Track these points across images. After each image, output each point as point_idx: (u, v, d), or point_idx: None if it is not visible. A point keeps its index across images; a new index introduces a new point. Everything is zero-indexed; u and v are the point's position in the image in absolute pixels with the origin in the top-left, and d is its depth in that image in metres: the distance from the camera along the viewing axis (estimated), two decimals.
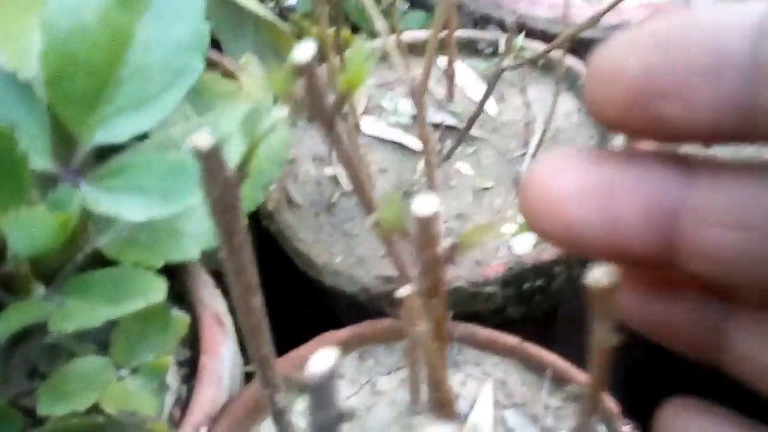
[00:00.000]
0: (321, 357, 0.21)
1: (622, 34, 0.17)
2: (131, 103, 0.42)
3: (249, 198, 0.53)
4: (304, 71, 0.24)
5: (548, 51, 0.58)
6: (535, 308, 0.62)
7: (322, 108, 0.26)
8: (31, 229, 0.36)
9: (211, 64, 0.68)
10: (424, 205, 0.26)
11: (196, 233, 0.52)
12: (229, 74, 0.67)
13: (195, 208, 0.52)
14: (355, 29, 0.94)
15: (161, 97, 0.42)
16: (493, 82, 0.59)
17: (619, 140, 0.65)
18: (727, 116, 0.16)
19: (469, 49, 0.79)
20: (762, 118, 0.16)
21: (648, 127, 0.17)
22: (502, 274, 0.56)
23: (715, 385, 0.62)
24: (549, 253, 0.57)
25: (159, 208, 0.40)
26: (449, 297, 0.57)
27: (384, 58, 0.79)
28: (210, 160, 0.25)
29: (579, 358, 0.89)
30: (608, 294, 0.24)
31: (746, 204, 0.17)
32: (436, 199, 0.25)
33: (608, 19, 0.77)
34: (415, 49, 0.77)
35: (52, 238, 0.37)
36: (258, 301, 0.33)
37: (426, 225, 0.26)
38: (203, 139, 0.25)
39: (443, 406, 0.32)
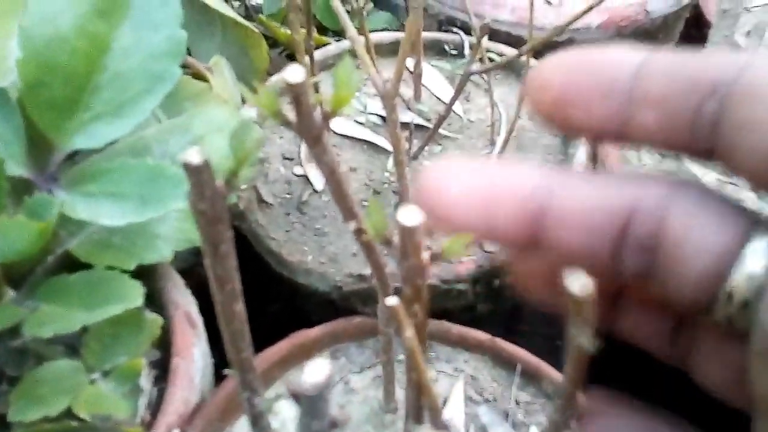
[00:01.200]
0: (315, 367, 0.22)
1: (553, 57, 0.23)
2: (109, 109, 0.42)
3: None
4: (295, 92, 0.24)
5: (518, 56, 0.59)
6: (504, 304, 0.64)
7: (311, 125, 0.26)
8: (10, 236, 0.36)
9: (180, 66, 0.68)
10: (409, 215, 0.26)
11: (169, 235, 0.52)
12: (198, 75, 0.67)
13: (168, 213, 0.52)
14: (321, 29, 0.94)
15: (138, 102, 0.42)
16: (460, 86, 0.60)
17: (581, 140, 0.67)
18: (612, 126, 0.22)
19: (435, 50, 0.79)
20: (633, 130, 0.22)
21: (564, 126, 0.23)
22: (473, 271, 0.57)
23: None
24: None
25: (138, 214, 0.41)
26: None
27: (351, 58, 0.79)
28: (200, 174, 0.26)
29: (543, 351, 0.91)
30: (587, 303, 0.25)
31: (591, 210, 0.22)
32: (420, 210, 0.26)
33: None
34: (380, 50, 0.78)
35: (30, 245, 0.37)
36: (240, 307, 0.33)
37: (410, 234, 0.27)
38: (193, 156, 0.25)
39: (431, 412, 0.33)
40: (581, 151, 0.66)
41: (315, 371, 0.21)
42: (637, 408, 0.28)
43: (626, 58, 0.22)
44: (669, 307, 0.24)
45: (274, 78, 0.72)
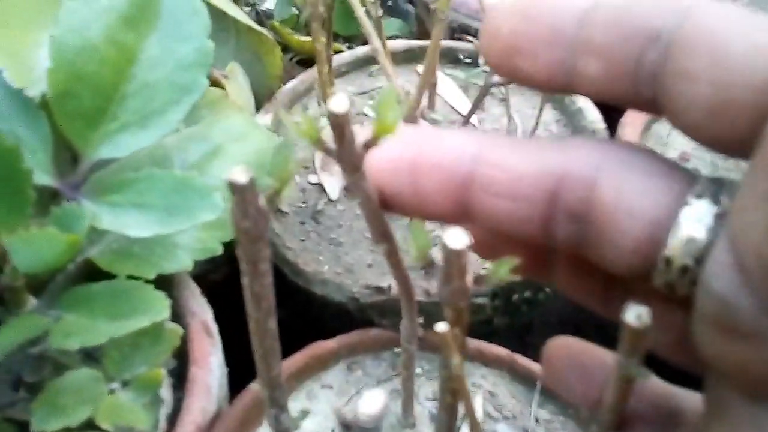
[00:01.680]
0: (370, 398, 0.21)
1: (506, 3, 0.22)
2: (136, 119, 0.41)
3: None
4: (339, 122, 0.24)
5: None
6: (521, 318, 0.63)
7: (352, 155, 0.26)
8: (39, 248, 0.35)
9: None
10: (455, 238, 0.26)
11: (189, 245, 0.52)
12: (214, 82, 0.66)
13: None
14: (336, 37, 0.94)
15: (165, 112, 0.42)
16: (482, 96, 0.60)
17: None
18: (558, 76, 0.21)
19: (449, 58, 0.79)
20: (578, 80, 0.21)
21: (513, 75, 0.23)
22: (493, 285, 0.57)
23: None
24: None
25: (164, 225, 0.40)
26: (439, 308, 0.57)
27: (363, 65, 0.79)
28: (245, 193, 0.26)
29: None
30: (642, 333, 0.25)
31: (518, 177, 0.22)
32: (467, 234, 0.26)
33: None
34: (393, 58, 0.78)
35: (59, 256, 0.37)
36: (274, 324, 0.33)
37: (457, 257, 0.27)
38: (240, 175, 0.25)
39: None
40: None
41: (370, 402, 0.21)
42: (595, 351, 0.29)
43: (574, 3, 0.21)
44: (605, 271, 0.23)
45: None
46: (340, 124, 0.25)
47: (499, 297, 0.58)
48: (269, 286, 0.31)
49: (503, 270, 0.28)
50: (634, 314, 0.25)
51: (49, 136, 0.40)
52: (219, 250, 0.52)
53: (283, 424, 0.38)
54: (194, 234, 0.52)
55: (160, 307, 0.40)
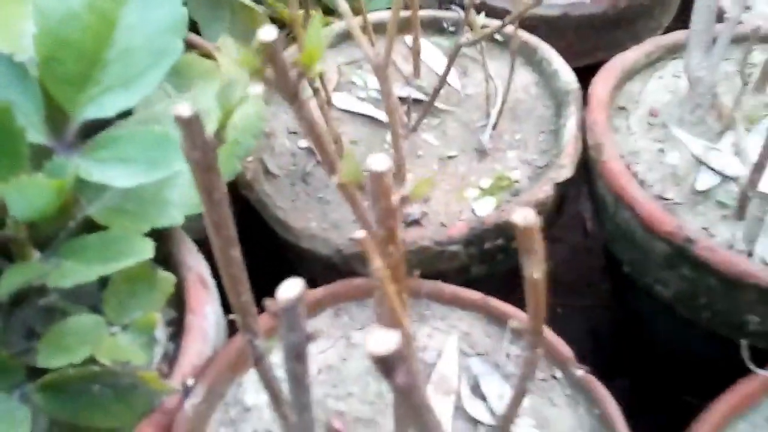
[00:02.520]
0: (288, 286, 0.25)
1: None
2: (118, 82, 0.46)
3: (227, 168, 0.58)
4: (269, 51, 0.28)
5: (501, 28, 0.62)
6: (498, 267, 0.67)
7: (287, 81, 0.30)
8: (30, 195, 0.40)
9: (190, 46, 0.72)
10: (377, 162, 0.30)
11: (179, 201, 0.56)
12: (206, 55, 0.71)
13: (179, 177, 0.56)
14: (328, 11, 0.98)
15: (145, 75, 0.46)
16: (452, 58, 0.64)
17: (573, 109, 0.70)
18: None
19: (434, 27, 0.83)
20: None
21: None
22: (465, 234, 0.61)
23: (681, 340, 0.67)
24: (509, 213, 0.62)
25: (145, 176, 0.45)
26: (416, 256, 0.62)
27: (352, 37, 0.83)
28: (190, 126, 0.30)
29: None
30: (531, 231, 0.29)
31: None
32: (387, 157, 0.30)
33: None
34: (382, 28, 0.82)
35: (49, 203, 0.41)
36: (237, 252, 0.37)
37: (379, 179, 0.31)
38: (184, 109, 0.29)
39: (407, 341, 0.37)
40: (572, 121, 0.69)
41: (288, 289, 0.25)
42: None
43: None
44: None
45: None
46: (271, 53, 0.29)
47: (473, 245, 0.62)
48: (227, 216, 0.35)
49: (422, 188, 0.31)
50: (521, 215, 0.29)
51: (40, 99, 0.45)
52: None
53: (257, 348, 0.42)
54: (184, 191, 0.56)
55: (144, 250, 0.45)
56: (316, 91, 0.65)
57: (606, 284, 0.95)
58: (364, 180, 0.33)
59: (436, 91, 0.68)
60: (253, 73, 0.29)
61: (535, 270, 0.31)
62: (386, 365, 0.21)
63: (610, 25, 0.86)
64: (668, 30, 0.93)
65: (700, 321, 0.61)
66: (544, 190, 0.63)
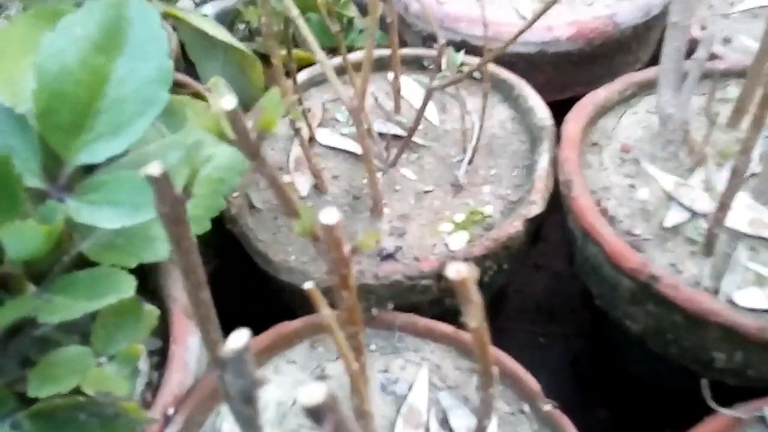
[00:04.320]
0: (236, 337, 0.28)
1: None
2: (108, 129, 0.50)
3: (212, 205, 0.61)
4: (230, 117, 0.31)
5: (473, 70, 0.66)
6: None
7: (248, 142, 0.33)
8: (23, 237, 0.43)
9: (182, 86, 0.76)
10: (328, 215, 0.33)
11: (165, 237, 0.59)
12: (198, 95, 0.74)
13: None
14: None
15: (134, 123, 0.50)
16: (426, 98, 0.67)
17: (546, 146, 0.73)
18: None
19: (416, 65, 0.86)
20: None
21: None
22: (436, 268, 0.64)
23: (655, 373, 0.70)
24: (479, 248, 0.65)
25: (130, 218, 0.48)
26: (390, 289, 0.65)
27: (339, 74, 0.86)
28: (160, 184, 0.33)
29: (527, 346, 0.96)
30: (466, 284, 0.32)
31: None
32: (337, 211, 0.33)
33: (541, 37, 0.85)
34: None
35: (40, 245, 0.45)
36: (206, 294, 0.40)
37: (330, 231, 0.34)
38: (154, 168, 0.32)
39: (356, 379, 0.40)
40: (544, 158, 0.72)
41: (236, 340, 0.28)
42: None
43: None
44: None
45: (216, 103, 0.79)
46: (232, 119, 0.33)
47: (444, 278, 0.65)
48: (196, 262, 0.38)
49: (369, 240, 0.35)
50: (454, 269, 0.32)
51: (37, 147, 0.48)
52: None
53: (225, 384, 0.45)
54: None
55: (127, 286, 0.48)
56: (298, 131, 0.68)
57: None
58: (317, 230, 0.36)
59: (413, 129, 0.71)
60: (217, 134, 0.32)
61: (472, 320, 0.33)
62: (315, 415, 0.24)
63: (587, 61, 0.90)
64: (649, 64, 0.96)
65: (670, 356, 0.63)
66: (515, 226, 0.66)
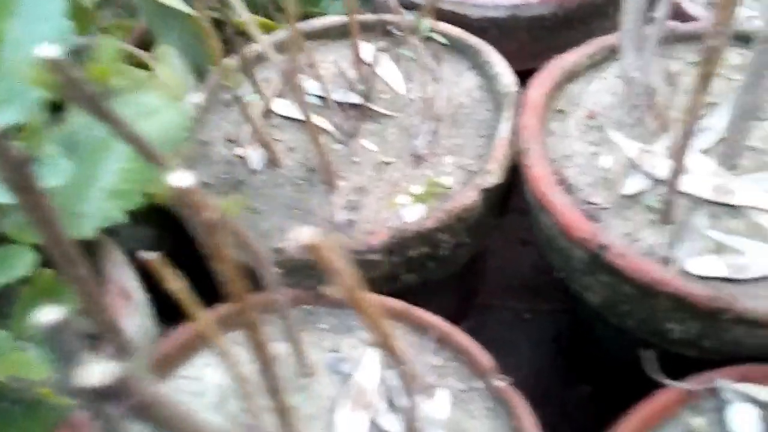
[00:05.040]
0: (47, 312, 0.25)
1: None
2: (4, 98, 0.46)
3: (142, 178, 0.58)
4: (57, 68, 0.28)
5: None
6: (431, 275, 0.66)
7: (83, 93, 0.30)
8: None
9: (125, 56, 0.72)
10: (180, 178, 0.30)
11: (93, 214, 0.56)
12: (142, 64, 0.71)
13: (94, 192, 0.57)
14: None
15: (30, 90, 0.46)
16: (374, 62, 0.63)
17: (508, 114, 0.69)
18: None
19: (380, 31, 0.82)
20: None
21: None
22: (385, 242, 0.60)
23: (623, 346, 0.66)
24: (432, 220, 0.61)
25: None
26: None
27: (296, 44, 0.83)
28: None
29: (512, 324, 0.92)
30: (319, 250, 0.28)
31: None
32: (190, 175, 0.30)
33: (513, 0, 0.81)
34: (329, 33, 0.82)
35: None
36: (83, 271, 0.37)
37: (185, 195, 0.30)
38: None
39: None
40: (505, 126, 0.68)
41: (48, 313, 0.25)
42: None
43: None
44: None
45: None
46: (59, 71, 0.29)
47: (396, 253, 0.61)
48: (58, 235, 0.35)
49: (232, 208, 0.31)
50: (305, 235, 0.28)
51: None
52: (122, 218, 0.57)
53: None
54: (98, 204, 0.57)
55: (24, 264, 0.45)
56: (237, 99, 0.65)
57: None
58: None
59: (366, 96, 0.68)
60: (47, 87, 0.29)
61: (335, 289, 0.30)
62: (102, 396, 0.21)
63: (562, 26, 0.85)
64: None
65: (628, 328, 0.60)
66: (469, 197, 0.62)
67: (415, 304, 0.61)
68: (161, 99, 0.63)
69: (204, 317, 0.40)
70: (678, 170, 0.55)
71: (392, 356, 0.38)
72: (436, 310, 0.61)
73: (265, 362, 0.39)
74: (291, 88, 0.56)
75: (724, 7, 0.44)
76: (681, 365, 0.54)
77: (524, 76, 0.74)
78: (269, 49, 0.54)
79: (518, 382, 0.89)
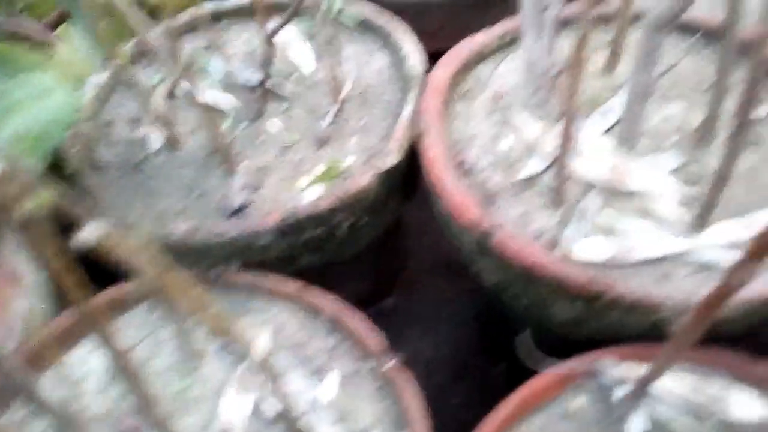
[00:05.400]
0: None
1: None
2: None
3: (31, 161, 0.57)
4: None
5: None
6: (334, 256, 0.66)
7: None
8: None
9: (23, 38, 0.71)
10: None
11: None
12: (39, 45, 0.69)
13: None
14: None
15: None
16: (267, 42, 0.62)
17: (413, 95, 0.69)
18: None
19: (294, 10, 0.81)
20: None
21: None
22: (278, 224, 0.60)
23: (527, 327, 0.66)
24: (327, 201, 0.60)
25: None
26: (229, 248, 0.60)
27: (214, 21, 0.82)
28: None
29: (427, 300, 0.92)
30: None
31: None
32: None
33: None
34: (237, 13, 0.81)
35: None
36: None
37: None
38: None
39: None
40: (409, 107, 0.68)
41: None
42: None
43: None
44: None
45: None
46: None
47: (290, 235, 0.61)
48: None
49: (36, 203, 0.30)
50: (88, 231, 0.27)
51: None
52: None
53: None
54: None
55: None
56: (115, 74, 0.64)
57: None
58: None
59: (266, 76, 0.67)
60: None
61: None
62: None
63: (483, 4, 0.84)
64: None
65: (521, 311, 0.60)
66: (365, 178, 0.62)
67: (323, 284, 0.61)
68: (55, 80, 0.62)
69: (89, 301, 0.39)
70: (565, 151, 0.55)
71: (232, 342, 0.37)
72: (350, 290, 0.60)
73: (119, 359, 0.38)
74: (188, 70, 0.55)
75: None
76: (572, 347, 0.54)
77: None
78: (178, 28, 0.53)
79: (439, 359, 0.90)
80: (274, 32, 0.62)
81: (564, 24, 0.75)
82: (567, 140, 0.54)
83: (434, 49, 0.74)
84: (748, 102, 0.46)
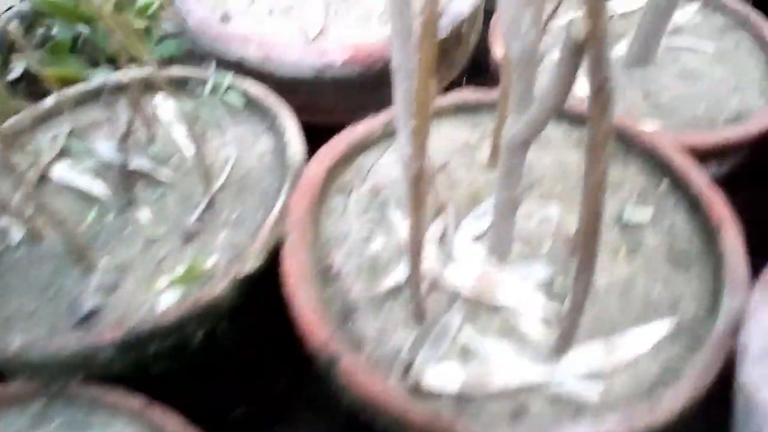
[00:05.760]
0: None
1: None
2: None
3: None
4: None
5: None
6: (192, 362, 0.62)
7: None
8: None
9: None
10: None
11: None
12: None
13: None
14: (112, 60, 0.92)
15: None
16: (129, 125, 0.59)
17: (285, 189, 0.65)
18: None
19: (181, 87, 0.78)
20: None
21: None
22: (120, 338, 0.56)
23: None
24: (176, 312, 0.57)
25: None
26: (69, 362, 0.56)
27: (94, 97, 0.78)
28: None
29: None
30: None
31: None
32: None
33: (314, 61, 0.77)
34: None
35: None
36: None
37: None
38: None
39: None
40: (279, 204, 0.64)
41: None
42: None
43: None
44: None
45: None
46: None
47: (134, 349, 0.57)
48: None
49: None
50: None
51: None
52: None
53: None
54: None
55: None
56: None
57: None
58: None
59: (127, 159, 0.63)
60: None
61: None
62: None
63: (374, 85, 0.81)
64: (453, 86, 0.88)
65: None
66: (221, 286, 0.58)
67: (179, 392, 0.57)
68: None
69: None
70: (416, 263, 0.51)
71: None
72: (214, 393, 0.56)
73: None
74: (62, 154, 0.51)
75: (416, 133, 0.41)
76: None
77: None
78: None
79: None
80: (169, 119, 0.58)
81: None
82: (415, 252, 0.51)
83: (331, 123, 0.70)
84: (596, 211, 0.42)
